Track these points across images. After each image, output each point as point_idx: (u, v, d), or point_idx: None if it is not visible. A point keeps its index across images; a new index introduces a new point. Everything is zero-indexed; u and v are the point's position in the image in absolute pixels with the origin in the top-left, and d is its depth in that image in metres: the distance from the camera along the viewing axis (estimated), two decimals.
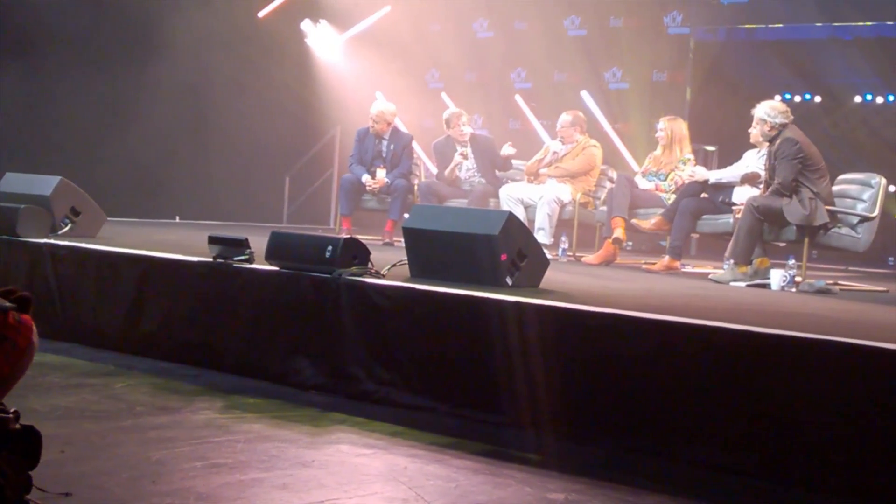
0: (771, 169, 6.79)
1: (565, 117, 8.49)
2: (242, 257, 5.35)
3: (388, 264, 5.23)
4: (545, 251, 5.75)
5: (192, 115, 10.69)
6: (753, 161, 7.41)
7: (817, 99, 10.78)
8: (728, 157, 8.67)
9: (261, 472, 3.50)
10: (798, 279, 6.40)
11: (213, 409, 4.46)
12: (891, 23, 9.84)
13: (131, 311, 5.67)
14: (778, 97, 9.76)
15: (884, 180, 6.90)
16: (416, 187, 8.91)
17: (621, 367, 4.07)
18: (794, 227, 6.62)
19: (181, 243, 6.72)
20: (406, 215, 7.67)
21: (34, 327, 2.98)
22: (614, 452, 4.00)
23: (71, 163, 8.91)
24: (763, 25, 10.89)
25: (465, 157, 8.85)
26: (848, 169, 7.51)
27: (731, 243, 6.76)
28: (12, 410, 2.95)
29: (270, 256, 5.25)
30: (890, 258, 10.10)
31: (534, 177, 8.45)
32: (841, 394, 3.57)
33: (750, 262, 6.62)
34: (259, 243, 5.39)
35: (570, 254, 8.01)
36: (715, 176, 7.59)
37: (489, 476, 3.66)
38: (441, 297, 4.62)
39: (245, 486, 3.35)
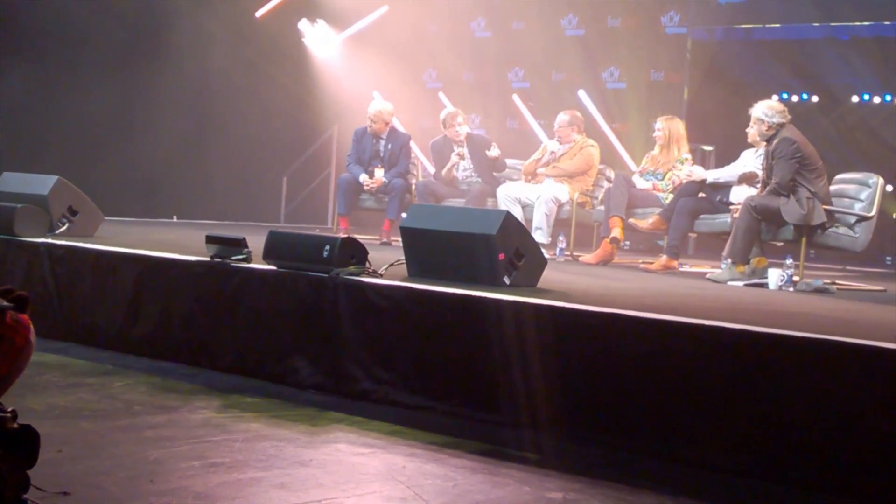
0: (768, 168, 6.79)
1: (563, 117, 8.50)
2: (240, 257, 5.34)
3: (386, 264, 5.23)
4: (543, 251, 5.75)
5: (190, 114, 10.68)
6: (751, 161, 7.42)
7: (815, 98, 10.79)
8: (725, 156, 8.68)
9: (259, 472, 3.50)
10: (796, 279, 6.40)
11: (211, 408, 4.46)
12: (888, 22, 9.85)
13: (129, 311, 5.67)
14: (775, 97, 9.76)
15: (881, 180, 6.91)
16: (413, 187, 8.91)
17: (619, 366, 4.07)
18: (792, 227, 6.62)
19: (179, 243, 6.71)
20: (404, 215, 7.67)
21: (32, 326, 2.99)
22: (613, 452, 4.00)
23: (68, 162, 8.90)
24: (760, 25, 10.90)
25: (461, 157, 8.86)
26: (845, 168, 7.52)
27: (728, 243, 6.76)
28: (10, 409, 2.95)
29: (268, 256, 5.25)
30: (887, 257, 10.11)
31: (531, 176, 8.45)
32: (839, 393, 3.57)
33: (747, 262, 6.63)
34: (257, 243, 5.39)
35: (568, 253, 8.01)
36: (712, 175, 7.60)
37: (487, 475, 3.66)
38: (439, 296, 4.62)
39: (243, 485, 3.35)
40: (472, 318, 4.49)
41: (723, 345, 3.84)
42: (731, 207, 7.10)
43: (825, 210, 6.60)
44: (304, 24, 12.06)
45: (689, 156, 8.03)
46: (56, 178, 6.82)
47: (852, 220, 6.73)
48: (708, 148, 10.26)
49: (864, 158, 9.45)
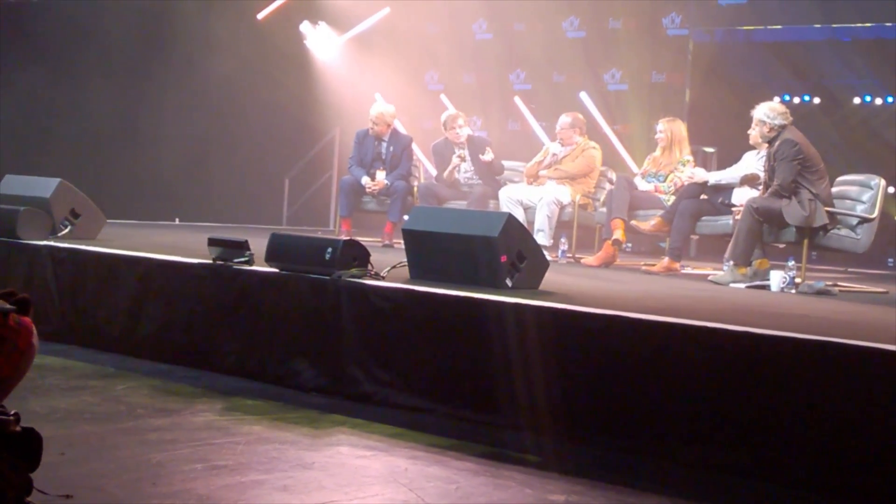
0: (770, 170, 6.79)
1: (565, 119, 8.49)
2: (242, 259, 5.35)
3: (388, 266, 5.24)
4: (545, 253, 5.75)
5: (192, 117, 10.68)
6: (753, 162, 7.42)
7: (816, 100, 10.79)
8: (727, 158, 8.68)
9: (261, 474, 3.50)
10: (797, 280, 6.40)
11: (214, 410, 4.46)
12: (889, 24, 9.85)
13: (131, 314, 5.67)
14: (777, 98, 9.76)
15: (883, 181, 6.91)
16: (415, 189, 8.91)
17: (621, 368, 4.07)
18: (794, 229, 6.62)
19: (181, 245, 6.71)
20: (406, 217, 7.67)
21: (34, 329, 2.99)
22: (614, 454, 4.00)
23: (71, 165, 8.91)
24: (762, 27, 10.90)
25: (462, 158, 8.85)
26: (847, 170, 7.51)
27: (730, 245, 6.76)
28: (13, 412, 2.95)
29: (270, 258, 5.25)
30: (889, 259, 10.10)
31: (533, 178, 8.45)
32: (840, 395, 3.57)
33: (749, 264, 6.63)
34: (259, 245, 5.39)
35: (570, 255, 8.01)
36: (714, 177, 7.60)
37: (489, 478, 3.66)
38: (441, 298, 4.63)
39: (245, 487, 3.35)
40: (474, 321, 4.49)
41: (725, 347, 3.84)
42: (733, 209, 7.10)
43: (827, 212, 6.60)
44: (305, 27, 12.07)
45: (690, 158, 8.03)
46: (58, 180, 6.83)
47: (854, 221, 6.73)
48: (710, 150, 10.26)
49: (865, 160, 9.44)
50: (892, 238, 9.59)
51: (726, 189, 7.41)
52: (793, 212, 6.56)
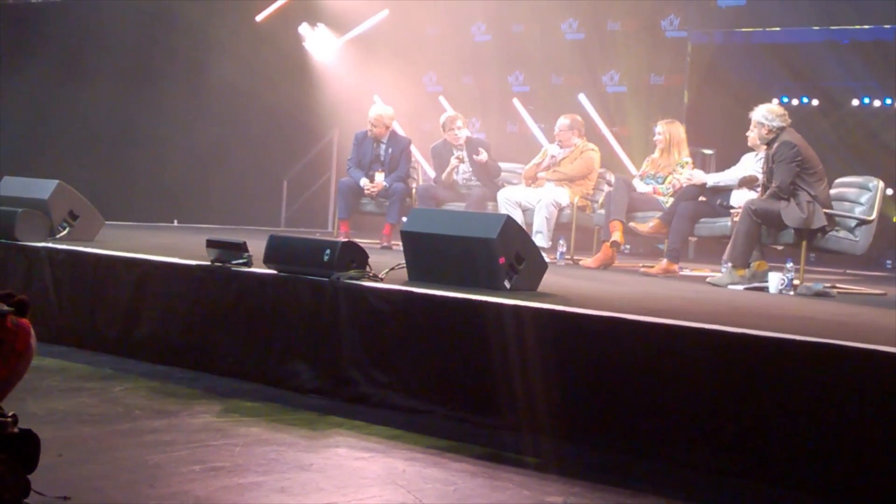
0: (769, 172, 6.79)
1: (563, 121, 8.49)
2: (240, 261, 5.35)
3: (387, 268, 5.24)
4: (543, 254, 5.75)
5: (190, 118, 10.68)
6: (751, 164, 7.42)
7: (815, 102, 10.81)
8: (726, 160, 8.69)
9: (259, 476, 3.50)
10: (796, 282, 6.40)
11: (211, 412, 4.46)
12: (888, 26, 9.87)
13: (129, 315, 5.67)
14: (775, 100, 9.78)
15: (881, 183, 6.91)
16: (414, 191, 8.91)
17: (619, 370, 4.07)
18: (792, 231, 6.62)
19: (179, 247, 6.71)
20: (404, 219, 7.67)
21: (32, 331, 2.99)
22: (613, 455, 4.00)
23: (69, 166, 8.91)
24: (760, 29, 10.92)
25: (461, 160, 8.85)
26: (846, 172, 7.51)
27: (728, 246, 6.76)
28: (10, 414, 2.95)
29: (268, 260, 5.25)
30: (888, 261, 10.11)
31: (532, 180, 8.45)
32: (839, 397, 3.57)
33: (748, 266, 6.63)
34: (257, 247, 5.39)
35: (568, 257, 8.01)
36: (713, 179, 7.60)
37: (487, 479, 3.66)
38: (439, 300, 4.63)
39: (243, 489, 3.35)
40: (473, 322, 4.49)
41: (723, 349, 3.84)
42: (732, 211, 7.10)
43: (825, 213, 6.60)
44: (304, 28, 12.08)
45: (689, 159, 8.03)
46: (56, 182, 6.83)
47: (853, 223, 6.73)
48: (708, 151, 10.27)
49: (864, 162, 9.46)
50: (891, 240, 9.61)
51: (725, 191, 7.41)
52: (791, 214, 6.56)
